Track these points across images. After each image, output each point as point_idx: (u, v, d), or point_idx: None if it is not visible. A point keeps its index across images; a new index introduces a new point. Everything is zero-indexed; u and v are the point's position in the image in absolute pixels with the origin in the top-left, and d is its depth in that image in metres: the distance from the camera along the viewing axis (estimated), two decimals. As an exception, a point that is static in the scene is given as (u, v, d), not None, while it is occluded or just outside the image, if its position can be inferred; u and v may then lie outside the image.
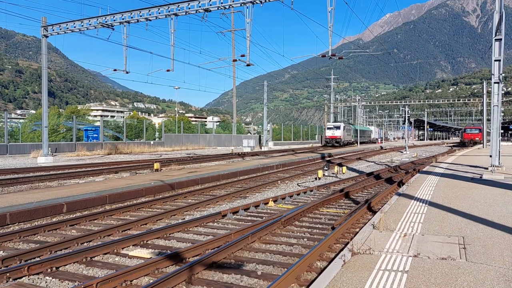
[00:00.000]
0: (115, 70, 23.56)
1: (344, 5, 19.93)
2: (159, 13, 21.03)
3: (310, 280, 4.80)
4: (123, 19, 21.98)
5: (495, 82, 14.03)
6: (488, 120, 32.49)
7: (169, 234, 7.26)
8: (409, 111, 44.72)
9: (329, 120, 66.26)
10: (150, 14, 21.31)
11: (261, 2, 18.83)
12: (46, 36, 24.66)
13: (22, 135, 36.13)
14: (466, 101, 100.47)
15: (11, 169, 18.65)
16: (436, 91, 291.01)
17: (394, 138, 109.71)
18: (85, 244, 6.74)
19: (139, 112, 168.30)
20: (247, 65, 20.35)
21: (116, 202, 10.62)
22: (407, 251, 5.00)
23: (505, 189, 10.23)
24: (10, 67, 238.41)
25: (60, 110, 67.10)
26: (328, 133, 48.30)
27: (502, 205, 8.01)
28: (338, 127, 48.02)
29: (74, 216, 8.87)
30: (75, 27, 23.54)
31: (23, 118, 62.80)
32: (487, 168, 14.60)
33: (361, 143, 55.89)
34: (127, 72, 23.47)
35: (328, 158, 27.82)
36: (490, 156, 14.30)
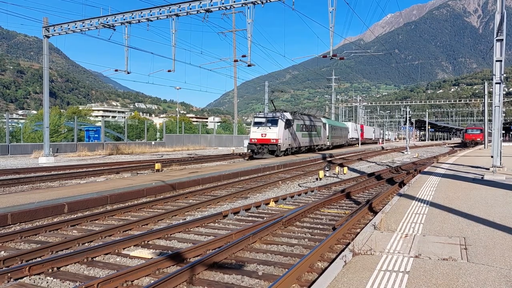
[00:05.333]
0: (116, 70, 23.62)
1: (345, 5, 19.97)
2: (160, 13, 21.06)
3: (311, 280, 4.80)
4: (124, 19, 22.01)
5: (496, 83, 14.02)
6: (490, 120, 32.45)
7: (170, 235, 7.26)
8: (410, 112, 44.73)
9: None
10: (151, 15, 21.35)
11: (262, 2, 18.84)
12: (48, 37, 24.72)
13: (23, 135, 36.23)
14: (468, 101, 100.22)
15: (12, 169, 18.68)
16: (437, 92, 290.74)
17: (395, 139, 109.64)
18: (86, 244, 6.74)
19: (140, 113, 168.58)
20: (248, 65, 20.37)
21: (117, 202, 10.63)
22: (408, 252, 5.00)
23: (506, 189, 10.21)
24: (11, 67, 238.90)
25: (62, 110, 67.23)
26: (254, 134, 26.74)
27: (503, 206, 7.99)
28: (273, 122, 26.54)
29: (75, 216, 8.87)
30: (76, 27, 23.60)
31: (24, 119, 62.93)
32: (488, 169, 14.59)
33: (334, 146, 41.62)
34: (128, 73, 23.53)
35: (329, 159, 27.81)
36: (492, 156, 14.29)
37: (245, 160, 26.38)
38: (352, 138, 52.02)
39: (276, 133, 26.13)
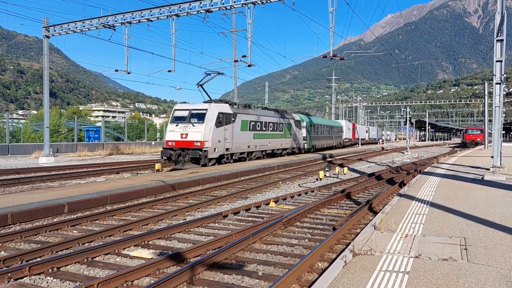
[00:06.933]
0: (116, 70, 23.64)
1: (345, 5, 19.97)
2: (161, 13, 21.07)
3: (311, 281, 4.80)
4: (124, 19, 22.02)
5: (496, 83, 14.02)
6: (490, 121, 32.45)
7: (170, 235, 7.26)
8: (410, 112, 44.74)
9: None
10: (151, 15, 21.36)
11: (262, 2, 18.85)
12: (48, 37, 24.72)
13: (23, 135, 36.25)
14: (468, 102, 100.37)
15: (12, 169, 18.68)
16: (438, 92, 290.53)
17: (395, 139, 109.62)
18: (86, 244, 6.74)
19: (141, 113, 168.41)
20: (248, 65, 20.36)
21: (117, 202, 10.63)
22: (408, 252, 5.00)
23: (507, 190, 10.21)
24: (11, 67, 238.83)
25: (62, 110, 67.30)
26: (172, 133, 18.84)
27: (503, 206, 7.99)
28: (199, 116, 18.82)
29: (75, 216, 8.88)
30: (76, 27, 23.61)
31: (24, 119, 62.98)
32: (488, 169, 14.58)
33: (318, 149, 34.90)
34: (128, 73, 23.55)
35: (329, 159, 27.81)
36: (492, 157, 14.28)
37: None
38: (346, 138, 47.74)
39: (201, 133, 18.17)
